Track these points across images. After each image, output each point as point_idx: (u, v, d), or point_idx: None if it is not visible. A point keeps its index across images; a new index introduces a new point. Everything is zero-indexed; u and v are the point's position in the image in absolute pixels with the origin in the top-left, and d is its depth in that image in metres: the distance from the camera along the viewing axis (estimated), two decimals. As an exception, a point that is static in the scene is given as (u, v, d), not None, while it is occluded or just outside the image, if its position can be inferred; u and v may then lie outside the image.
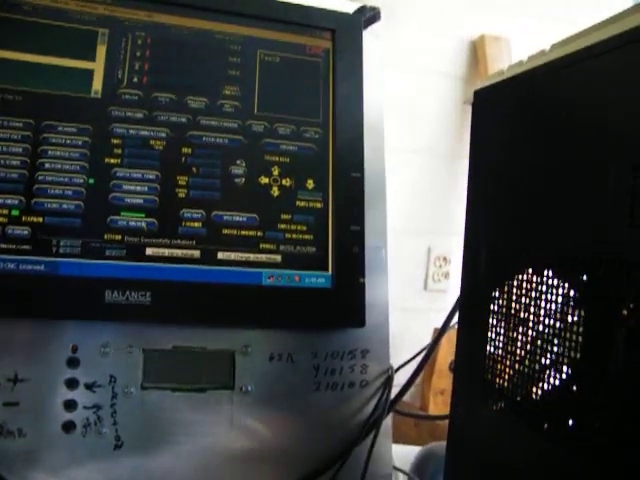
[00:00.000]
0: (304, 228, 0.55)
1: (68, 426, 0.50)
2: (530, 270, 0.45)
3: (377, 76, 0.62)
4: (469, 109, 1.41)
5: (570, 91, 0.41)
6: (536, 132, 0.44)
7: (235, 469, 0.54)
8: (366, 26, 0.63)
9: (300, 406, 0.56)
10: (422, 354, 0.64)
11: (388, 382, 0.58)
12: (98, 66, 0.54)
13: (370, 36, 0.63)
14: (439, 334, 0.63)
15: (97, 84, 0.53)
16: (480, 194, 0.51)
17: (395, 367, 0.60)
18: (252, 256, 0.54)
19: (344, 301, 0.55)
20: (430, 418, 0.63)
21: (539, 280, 0.44)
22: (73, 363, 0.51)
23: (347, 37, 0.60)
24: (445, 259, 1.42)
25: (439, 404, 1.29)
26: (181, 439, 0.52)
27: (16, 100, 0.51)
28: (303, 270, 0.54)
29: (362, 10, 0.63)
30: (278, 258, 0.54)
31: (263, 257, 0.54)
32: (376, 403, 0.58)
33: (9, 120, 0.51)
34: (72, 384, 0.51)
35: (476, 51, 1.34)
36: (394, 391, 0.59)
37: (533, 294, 0.45)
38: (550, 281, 0.43)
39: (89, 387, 0.51)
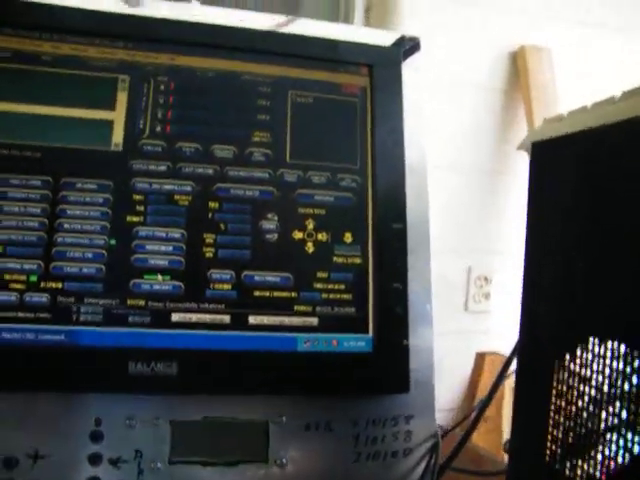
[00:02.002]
0: (342, 287, 0.51)
1: (91, 507, 0.46)
2: (596, 340, 0.40)
3: (418, 113, 0.58)
4: (510, 123, 1.34)
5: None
6: (600, 190, 0.39)
7: None
8: (405, 58, 0.58)
9: (339, 479, 0.51)
10: (475, 410, 0.60)
11: (435, 449, 0.54)
12: (118, 116, 0.50)
13: (409, 69, 0.58)
14: (494, 386, 0.58)
15: (117, 136, 0.50)
16: (541, 251, 0.46)
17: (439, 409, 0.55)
18: (286, 320, 0.49)
19: (386, 366, 0.50)
20: (485, 474, 0.58)
21: (606, 353, 0.39)
22: (96, 437, 0.47)
23: (385, 73, 0.56)
24: (486, 279, 1.36)
25: (482, 433, 1.24)
26: (212, 518, 0.48)
27: (33, 157, 0.48)
28: (342, 333, 0.50)
29: (401, 42, 0.58)
30: (314, 321, 0.50)
31: (298, 320, 0.49)
32: (422, 472, 0.53)
33: (27, 179, 0.47)
34: (95, 460, 0.47)
35: (516, 62, 1.29)
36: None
37: (602, 368, 0.40)
38: (618, 352, 0.38)
39: (114, 463, 0.47)
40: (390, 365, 0.50)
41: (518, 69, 1.27)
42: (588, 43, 1.26)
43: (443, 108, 1.22)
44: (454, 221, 1.30)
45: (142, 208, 0.49)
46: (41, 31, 0.50)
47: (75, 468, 0.47)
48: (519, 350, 0.48)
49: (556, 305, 0.44)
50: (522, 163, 1.02)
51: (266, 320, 0.49)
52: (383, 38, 0.58)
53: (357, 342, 0.50)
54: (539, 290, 0.46)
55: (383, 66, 0.56)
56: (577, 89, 1.12)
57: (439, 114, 1.21)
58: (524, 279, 0.48)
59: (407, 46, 0.58)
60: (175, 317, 0.48)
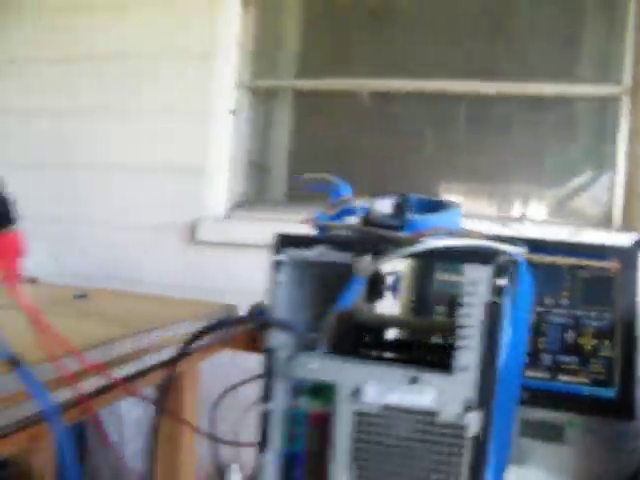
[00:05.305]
0: (602, 366, 1.11)
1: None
2: None
3: (644, 280, 1.15)
4: None
5: None
6: None
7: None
8: (640, 250, 1.16)
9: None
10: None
11: (645, 448, 1.11)
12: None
13: (641, 257, 1.16)
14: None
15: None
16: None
17: None
18: (575, 379, 1.11)
19: (623, 405, 1.10)
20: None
21: None
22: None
23: (629, 262, 1.15)
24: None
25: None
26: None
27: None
28: (600, 387, 1.10)
29: (638, 242, 1.16)
30: (587, 381, 1.11)
31: (580, 380, 1.11)
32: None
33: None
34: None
35: None
36: None
37: None
38: None
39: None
40: (625, 405, 1.10)
41: None
42: None
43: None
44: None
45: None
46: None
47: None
48: None
49: None
50: None
51: (566, 378, 1.11)
52: (625, 239, 1.17)
53: (607, 392, 1.10)
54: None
55: (628, 258, 1.15)
56: None
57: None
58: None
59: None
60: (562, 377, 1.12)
